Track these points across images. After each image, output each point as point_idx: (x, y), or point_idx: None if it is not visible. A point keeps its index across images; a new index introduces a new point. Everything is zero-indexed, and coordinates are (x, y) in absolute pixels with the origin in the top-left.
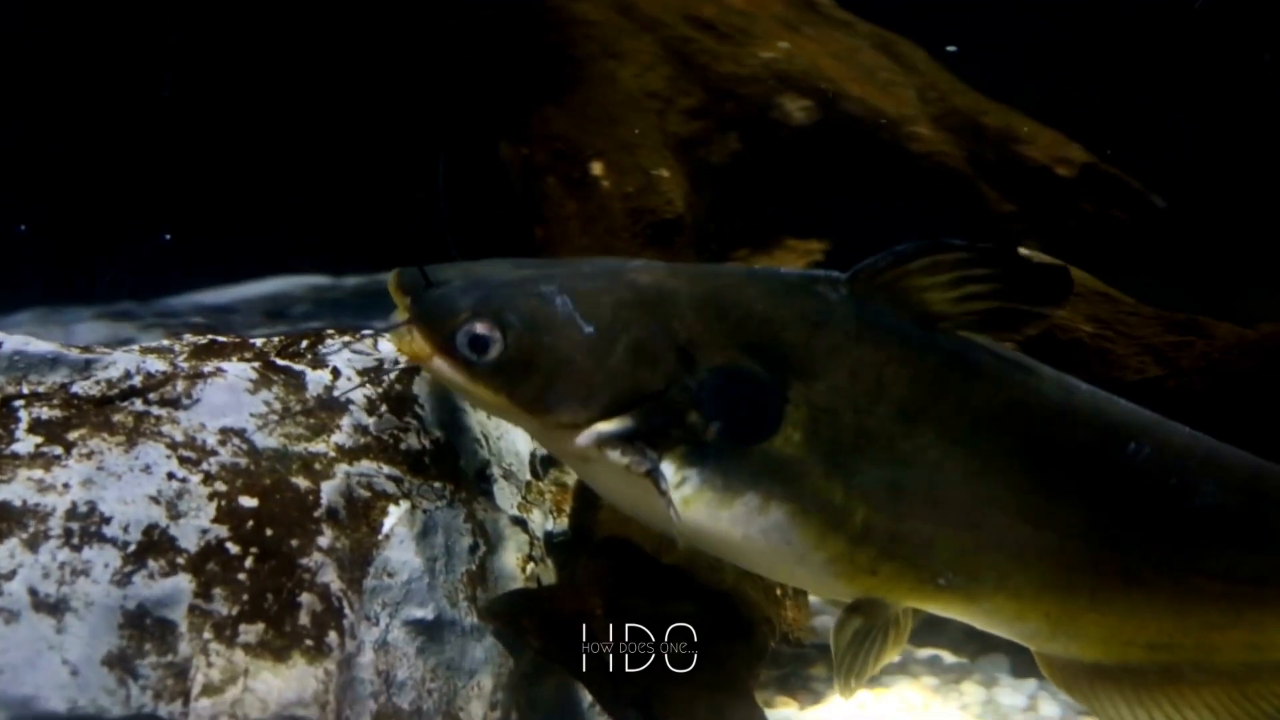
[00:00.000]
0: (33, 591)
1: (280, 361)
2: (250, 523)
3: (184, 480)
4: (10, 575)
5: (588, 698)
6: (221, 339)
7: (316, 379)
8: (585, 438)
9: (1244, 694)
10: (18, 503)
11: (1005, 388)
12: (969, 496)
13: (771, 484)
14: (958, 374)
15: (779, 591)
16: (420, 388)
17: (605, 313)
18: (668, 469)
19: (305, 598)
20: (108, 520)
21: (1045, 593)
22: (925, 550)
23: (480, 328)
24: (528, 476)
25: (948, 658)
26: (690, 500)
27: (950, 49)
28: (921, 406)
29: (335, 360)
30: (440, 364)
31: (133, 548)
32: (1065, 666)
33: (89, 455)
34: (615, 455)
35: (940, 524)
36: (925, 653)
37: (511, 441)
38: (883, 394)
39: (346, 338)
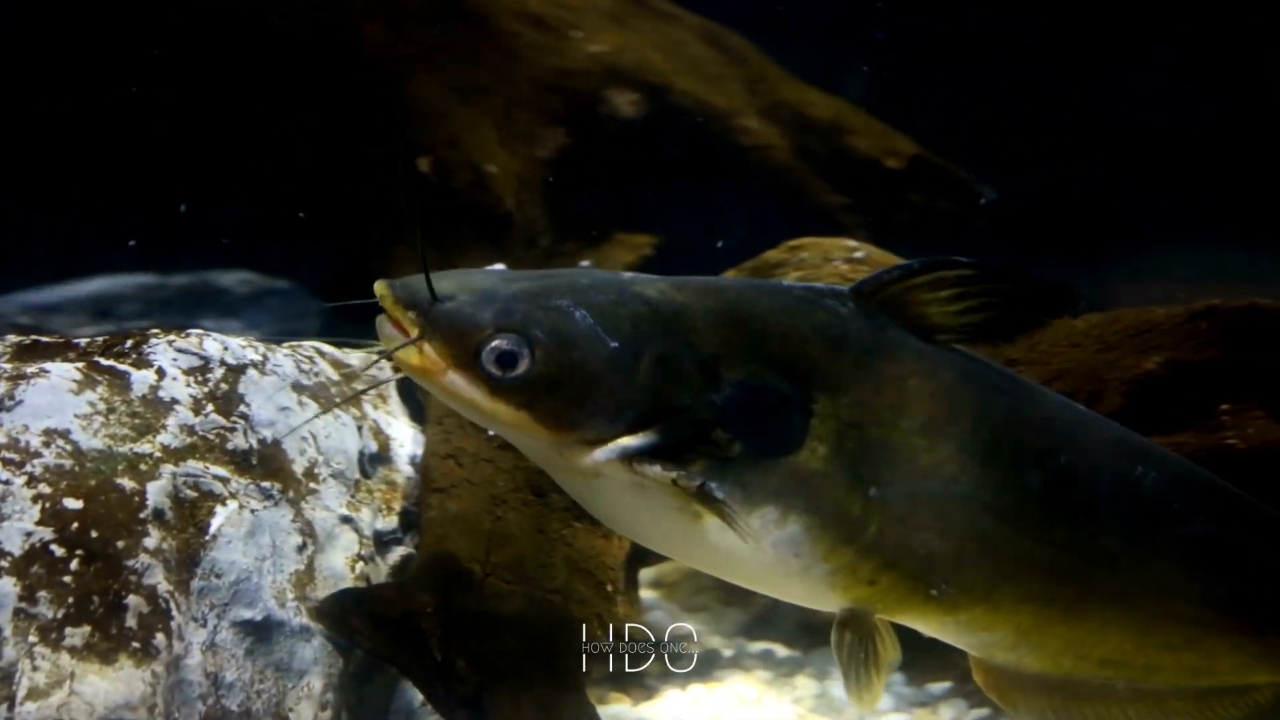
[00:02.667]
0: None
1: (105, 361)
2: (75, 525)
3: (7, 483)
4: None
5: (419, 697)
6: (45, 339)
7: (141, 379)
8: (607, 453)
9: (1162, 710)
10: None
11: (1019, 404)
12: (979, 510)
13: (793, 497)
14: (974, 389)
15: (610, 588)
16: (247, 387)
17: (626, 327)
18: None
19: (132, 600)
20: None
21: (1024, 605)
22: (927, 562)
23: (507, 343)
24: (356, 475)
25: (780, 651)
26: (702, 515)
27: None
28: (941, 421)
29: (160, 360)
30: (455, 380)
31: None
32: (1005, 675)
33: None
34: (654, 470)
35: (946, 536)
36: (758, 646)
37: (340, 440)
38: (905, 408)
39: (171, 336)
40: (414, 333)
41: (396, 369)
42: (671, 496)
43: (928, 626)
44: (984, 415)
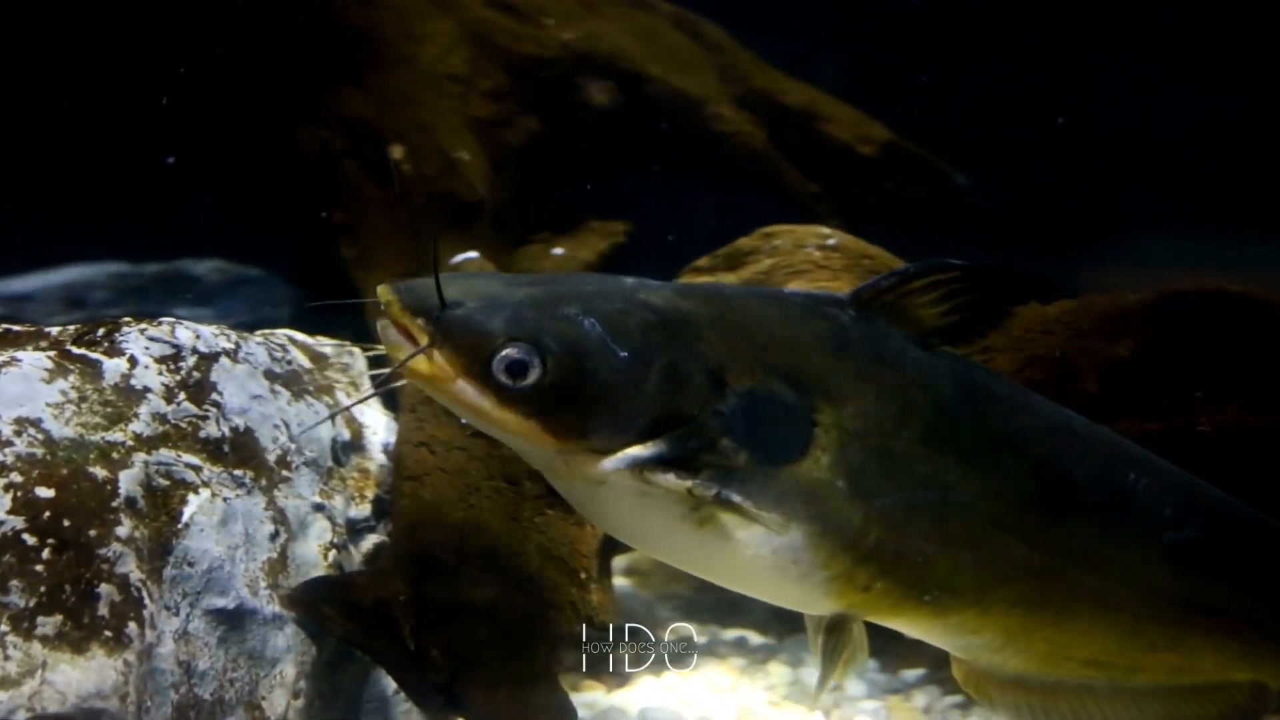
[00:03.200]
0: None
1: (76, 350)
2: (47, 513)
3: None
4: None
5: (392, 685)
6: (16, 328)
7: (113, 367)
8: (616, 463)
9: (1139, 707)
10: None
11: (1016, 413)
12: (975, 517)
13: (795, 505)
14: (974, 398)
15: (584, 575)
16: (219, 375)
17: (635, 336)
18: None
19: (104, 588)
20: None
21: (1014, 609)
22: (923, 569)
23: (518, 352)
24: (329, 463)
25: (754, 639)
26: (708, 520)
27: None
28: (942, 430)
29: (132, 348)
30: (464, 389)
31: None
32: (985, 674)
33: None
34: (668, 479)
35: (943, 544)
36: (732, 634)
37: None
38: (908, 418)
39: (143, 325)
40: (423, 340)
41: (397, 376)
42: (676, 504)
43: (916, 629)
44: (982, 424)
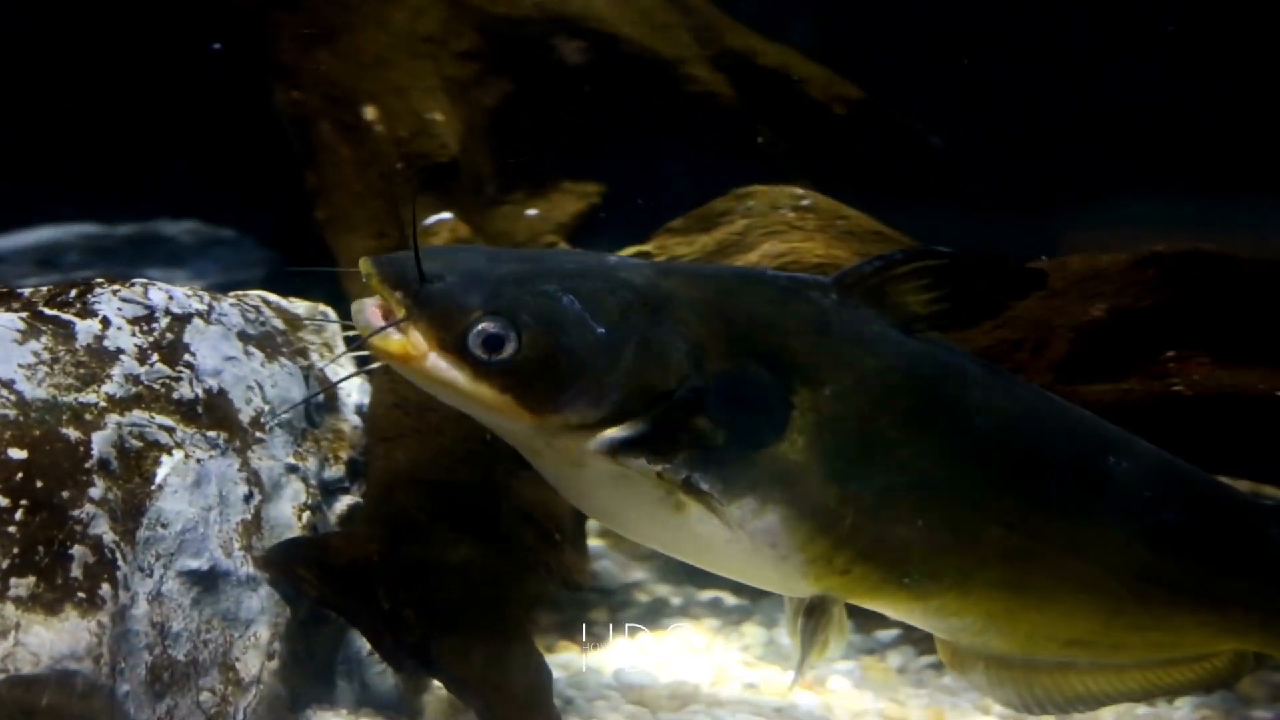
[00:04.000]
0: None
1: (49, 311)
2: (20, 475)
3: None
4: None
5: (366, 646)
6: None
7: (86, 328)
8: (597, 444)
9: (1121, 680)
10: None
11: (995, 397)
12: (954, 501)
13: (772, 487)
14: (953, 383)
15: (558, 536)
16: (192, 336)
17: (614, 313)
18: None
19: (77, 550)
20: None
21: (995, 592)
22: (902, 552)
23: (494, 326)
24: (303, 425)
25: (729, 600)
26: (684, 505)
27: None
28: (920, 415)
29: (105, 309)
30: (438, 363)
31: None
32: (968, 654)
33: None
34: (639, 463)
35: (922, 528)
36: (707, 595)
37: (286, 389)
38: (885, 402)
39: (116, 286)
40: (400, 313)
41: (369, 357)
42: (654, 487)
43: (897, 612)
44: (961, 409)
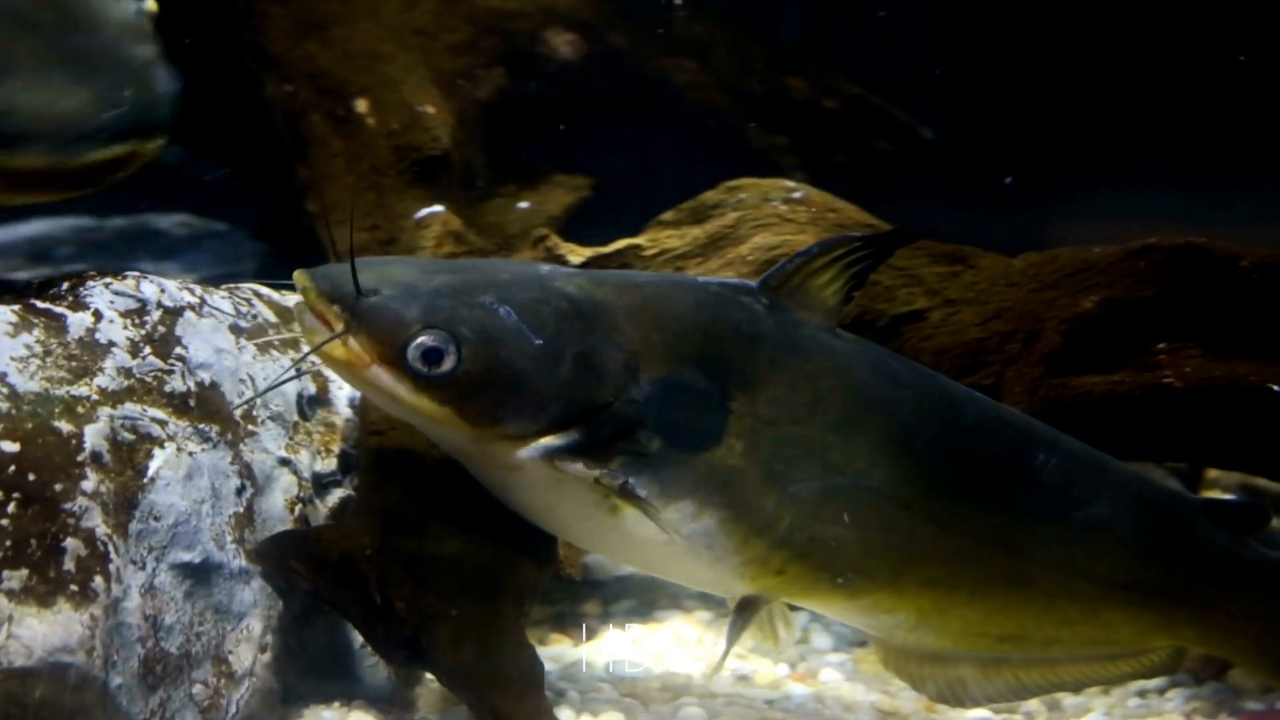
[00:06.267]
0: None
1: (41, 304)
2: (12, 468)
3: None
4: None
5: (358, 639)
6: None
7: (78, 321)
8: (530, 452)
9: (1055, 674)
10: None
11: (926, 398)
12: (887, 500)
13: (709, 492)
14: (883, 384)
15: None
16: (184, 329)
17: (549, 324)
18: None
19: (70, 543)
20: None
21: (928, 589)
22: (835, 552)
23: (433, 340)
24: (295, 418)
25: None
26: (619, 508)
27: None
28: (853, 417)
29: (96, 302)
30: (380, 375)
31: None
32: (901, 652)
33: None
34: (577, 468)
35: (855, 528)
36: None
37: None
38: (819, 405)
39: (108, 279)
40: (339, 327)
41: (312, 358)
42: (589, 491)
43: (830, 610)
44: (892, 411)
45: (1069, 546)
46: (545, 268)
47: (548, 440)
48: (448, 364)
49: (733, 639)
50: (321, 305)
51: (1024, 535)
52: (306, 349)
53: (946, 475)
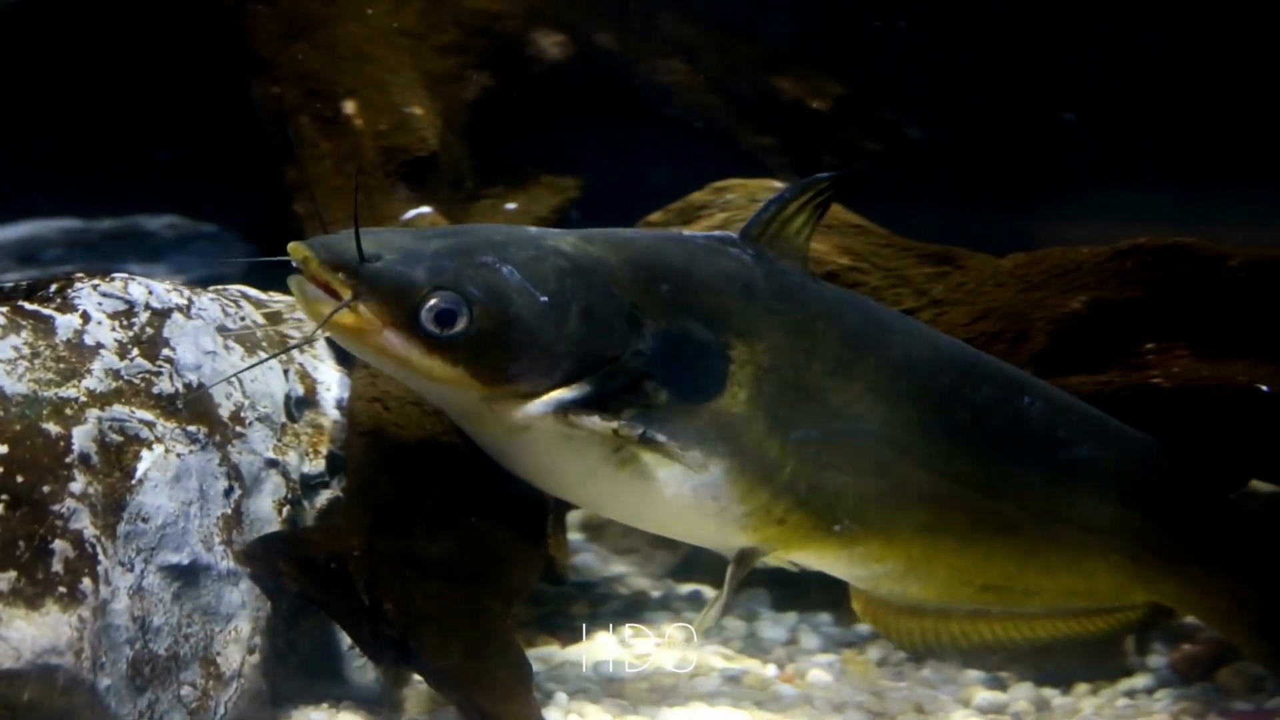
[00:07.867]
0: None
1: (29, 306)
2: (0, 470)
3: None
4: None
5: (347, 640)
6: None
7: (66, 323)
8: (543, 406)
9: (1031, 627)
10: None
11: (914, 343)
12: (883, 446)
13: (716, 441)
14: (874, 330)
15: (538, 531)
16: (172, 331)
17: (552, 281)
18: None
19: (58, 544)
20: None
21: (918, 536)
22: (834, 498)
23: (445, 301)
24: (283, 419)
25: (708, 593)
26: (629, 461)
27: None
28: (849, 362)
29: (85, 304)
30: (391, 339)
31: None
32: (882, 603)
33: None
34: (592, 422)
35: (853, 473)
36: (686, 588)
37: (265, 384)
38: (816, 351)
39: (96, 281)
40: (346, 294)
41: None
42: (597, 446)
43: (822, 561)
44: (886, 355)
45: (1051, 489)
46: (533, 229)
47: (560, 394)
48: (460, 324)
49: (730, 590)
50: (325, 273)
51: (1009, 477)
52: (302, 320)
53: (937, 418)
